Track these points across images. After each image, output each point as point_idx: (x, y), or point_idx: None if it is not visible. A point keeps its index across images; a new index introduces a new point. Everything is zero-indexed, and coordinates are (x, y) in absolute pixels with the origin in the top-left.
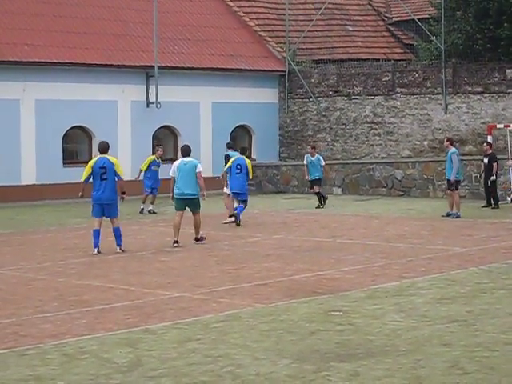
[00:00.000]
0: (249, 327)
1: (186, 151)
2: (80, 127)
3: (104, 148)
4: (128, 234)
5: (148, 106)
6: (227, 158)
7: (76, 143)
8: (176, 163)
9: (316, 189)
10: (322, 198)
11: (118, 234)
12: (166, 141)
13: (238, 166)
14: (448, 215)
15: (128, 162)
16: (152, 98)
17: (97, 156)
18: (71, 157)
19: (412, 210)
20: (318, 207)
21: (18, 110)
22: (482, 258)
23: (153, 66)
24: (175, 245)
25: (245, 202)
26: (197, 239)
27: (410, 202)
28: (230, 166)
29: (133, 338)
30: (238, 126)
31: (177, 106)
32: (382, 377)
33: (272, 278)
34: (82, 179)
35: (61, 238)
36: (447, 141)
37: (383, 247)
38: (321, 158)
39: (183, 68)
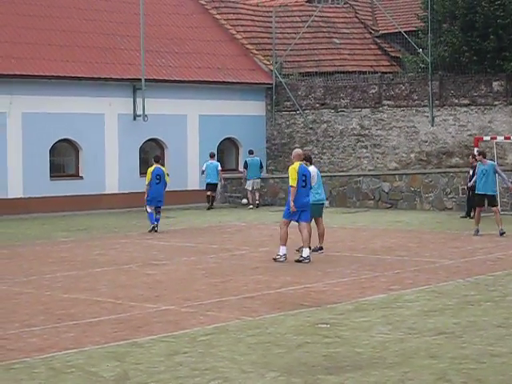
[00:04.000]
0: (236, 340)
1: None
2: (67, 140)
3: None
4: (115, 247)
5: (135, 118)
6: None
7: (63, 156)
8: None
9: (211, 193)
10: (212, 201)
11: None
12: (153, 154)
13: (158, 177)
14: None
15: (115, 174)
16: (139, 111)
17: None
18: (58, 170)
19: (399, 223)
20: (210, 208)
21: (5, 123)
22: (469, 270)
23: (140, 79)
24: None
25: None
26: (321, 248)
27: (397, 215)
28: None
29: (120, 352)
30: (226, 139)
31: (164, 118)
32: None
33: (259, 290)
34: None
35: (48, 251)
36: (479, 154)
37: (370, 260)
38: (218, 164)
39: (170, 81)
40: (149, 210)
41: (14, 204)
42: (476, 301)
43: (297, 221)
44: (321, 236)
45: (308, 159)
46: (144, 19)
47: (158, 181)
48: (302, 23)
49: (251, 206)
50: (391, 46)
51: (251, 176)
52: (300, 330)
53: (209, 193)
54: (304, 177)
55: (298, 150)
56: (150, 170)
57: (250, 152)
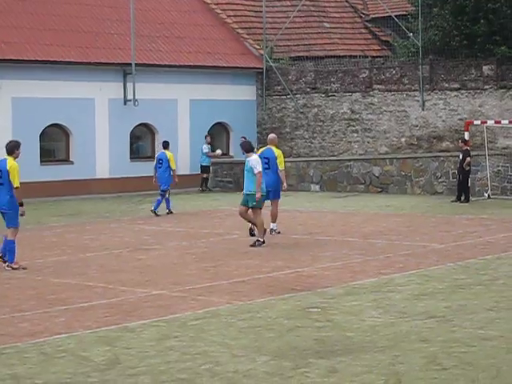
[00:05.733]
0: (227, 324)
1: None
2: (57, 125)
3: (11, 148)
4: (106, 232)
5: (125, 103)
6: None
7: (53, 141)
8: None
9: (204, 175)
10: (202, 183)
11: (8, 247)
12: (143, 138)
13: (160, 161)
14: None
15: (106, 159)
16: (129, 96)
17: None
18: (48, 155)
19: (390, 207)
20: (203, 191)
21: None
22: (460, 254)
23: (130, 64)
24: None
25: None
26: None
27: (388, 199)
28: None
29: (111, 336)
30: (216, 123)
31: (154, 103)
32: (360, 373)
33: (250, 275)
34: None
35: (38, 236)
36: None
37: (361, 244)
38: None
39: (161, 65)
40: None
41: None
42: (466, 284)
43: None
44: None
45: (246, 149)
46: (134, 3)
47: (160, 165)
48: (292, 7)
49: None
50: (382, 30)
51: None
52: (291, 314)
53: (205, 175)
54: (267, 159)
55: (271, 135)
56: (157, 154)
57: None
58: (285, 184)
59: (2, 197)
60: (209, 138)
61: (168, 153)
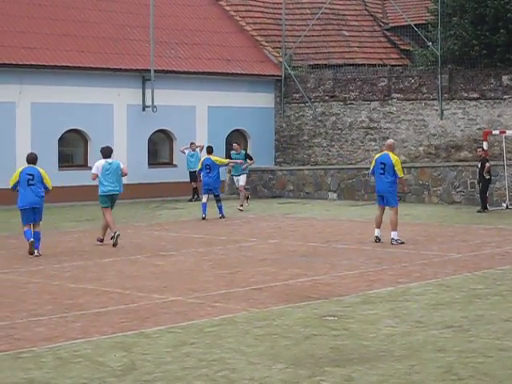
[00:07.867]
0: (243, 332)
1: (109, 153)
2: (76, 130)
3: (32, 159)
4: (123, 238)
5: (144, 109)
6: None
7: (72, 147)
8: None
9: (193, 184)
10: (196, 192)
11: (37, 237)
12: (161, 145)
13: (207, 166)
14: None
15: (124, 165)
16: (148, 102)
17: (24, 165)
18: (67, 160)
19: (407, 216)
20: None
21: (14, 112)
22: (477, 263)
23: (149, 70)
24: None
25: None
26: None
27: (406, 208)
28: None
29: (127, 342)
30: (234, 131)
31: (173, 109)
32: (376, 382)
33: (267, 282)
34: (11, 185)
35: (56, 241)
36: None
37: (378, 252)
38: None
39: (179, 72)
40: (203, 199)
41: None
42: (484, 295)
43: None
44: (105, 228)
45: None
46: (154, 10)
47: (207, 170)
48: (311, 15)
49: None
50: (401, 39)
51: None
52: (307, 322)
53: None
54: (383, 165)
55: (389, 140)
56: (201, 160)
57: (192, 143)
58: (405, 188)
59: (38, 195)
60: (194, 146)
61: (213, 157)
